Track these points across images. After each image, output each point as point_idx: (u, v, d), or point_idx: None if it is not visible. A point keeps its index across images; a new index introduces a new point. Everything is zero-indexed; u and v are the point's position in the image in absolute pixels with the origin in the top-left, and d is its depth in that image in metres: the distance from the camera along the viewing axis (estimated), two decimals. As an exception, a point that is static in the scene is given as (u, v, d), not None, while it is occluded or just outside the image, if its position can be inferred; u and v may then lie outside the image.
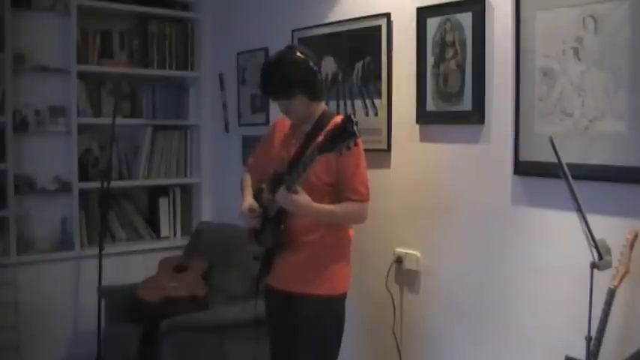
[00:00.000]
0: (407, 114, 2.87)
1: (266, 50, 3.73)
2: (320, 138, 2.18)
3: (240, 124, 4.04)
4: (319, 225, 2.43)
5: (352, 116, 2.07)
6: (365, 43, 3.03)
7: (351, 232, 2.56)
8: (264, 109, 3.80)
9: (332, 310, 2.47)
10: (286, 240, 2.45)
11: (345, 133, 2.06)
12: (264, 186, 2.65)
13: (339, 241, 2.51)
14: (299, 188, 2.31)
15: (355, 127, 2.05)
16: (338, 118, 2.45)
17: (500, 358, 2.53)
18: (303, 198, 2.32)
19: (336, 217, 2.45)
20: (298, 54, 2.42)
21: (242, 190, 2.69)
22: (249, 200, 2.58)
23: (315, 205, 2.35)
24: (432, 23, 2.71)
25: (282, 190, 2.34)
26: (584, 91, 2.19)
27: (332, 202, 2.41)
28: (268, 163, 2.60)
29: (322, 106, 2.53)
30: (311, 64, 2.42)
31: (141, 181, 4.20)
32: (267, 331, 2.67)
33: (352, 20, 3.11)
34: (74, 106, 3.85)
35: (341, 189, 2.42)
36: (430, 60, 2.73)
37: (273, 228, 2.47)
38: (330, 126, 2.30)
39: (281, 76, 2.41)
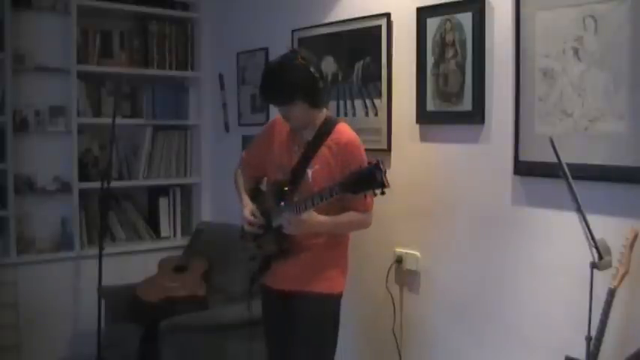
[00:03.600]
0: (407, 114, 2.87)
1: (266, 50, 3.73)
2: (346, 174, 2.14)
3: (240, 124, 4.04)
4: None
5: (381, 164, 2.03)
6: (365, 43, 3.03)
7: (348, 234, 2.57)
8: (264, 109, 3.80)
9: (329, 309, 2.48)
10: (291, 246, 2.44)
11: (374, 183, 2.02)
12: (263, 187, 2.65)
13: (339, 243, 2.52)
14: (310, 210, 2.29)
15: (385, 177, 2.01)
16: (345, 130, 2.44)
17: (500, 358, 2.53)
18: (309, 219, 2.30)
19: (344, 227, 2.47)
20: (300, 60, 2.38)
21: (237, 189, 2.68)
22: (249, 207, 2.57)
23: (322, 220, 2.35)
24: (432, 23, 2.71)
25: (286, 217, 2.33)
26: (584, 91, 2.19)
27: (333, 208, 2.39)
28: (265, 162, 2.59)
29: (324, 113, 2.51)
30: (313, 70, 2.37)
31: (141, 181, 4.19)
32: (264, 332, 2.66)
33: (352, 20, 3.11)
34: (74, 106, 3.85)
35: (347, 200, 2.37)
36: (430, 60, 2.73)
37: (274, 236, 2.47)
38: (350, 144, 2.35)
39: (281, 81, 2.37)
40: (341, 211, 2.43)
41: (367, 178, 2.05)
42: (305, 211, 2.28)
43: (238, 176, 2.71)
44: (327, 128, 2.44)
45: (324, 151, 2.41)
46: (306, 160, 2.42)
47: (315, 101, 2.42)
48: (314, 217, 2.32)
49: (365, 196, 2.31)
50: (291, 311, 2.48)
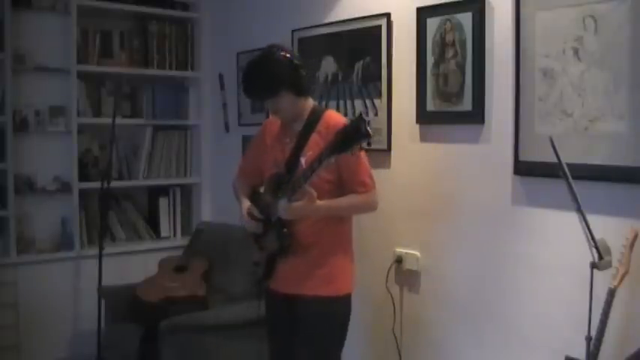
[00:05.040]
0: (407, 114, 2.87)
1: (266, 50, 3.73)
2: (331, 138, 2.09)
3: (240, 124, 4.05)
4: (322, 225, 2.41)
5: (364, 115, 2.01)
6: (365, 43, 3.03)
7: (351, 228, 2.54)
8: (264, 109, 3.79)
9: (335, 312, 2.46)
10: (291, 243, 2.43)
11: (359, 134, 1.99)
12: (261, 189, 2.64)
13: (341, 241, 2.50)
14: (308, 188, 2.23)
15: (368, 127, 1.99)
16: (333, 115, 2.45)
17: (500, 358, 2.53)
18: (307, 203, 2.26)
19: (345, 209, 2.44)
20: (279, 52, 2.41)
21: (237, 195, 2.68)
22: (246, 205, 2.57)
23: (322, 203, 2.31)
24: (432, 23, 2.71)
25: (282, 203, 2.31)
26: (584, 91, 2.19)
27: (332, 198, 2.38)
28: (261, 164, 2.59)
29: (310, 102, 2.52)
30: (291, 58, 2.40)
31: (141, 181, 4.20)
32: (267, 334, 2.65)
33: (352, 20, 3.11)
34: (74, 106, 3.85)
35: (346, 183, 2.40)
36: (430, 60, 2.73)
37: (275, 232, 2.45)
38: (339, 125, 2.26)
39: (264, 75, 2.39)
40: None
41: (353, 133, 2.01)
42: (300, 189, 2.24)
43: (236, 186, 2.72)
44: (315, 116, 2.45)
45: (315, 137, 2.41)
46: (298, 149, 2.43)
47: (300, 89, 2.43)
48: (313, 203, 2.26)
49: (360, 175, 2.36)
50: (295, 314, 2.47)
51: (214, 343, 3.12)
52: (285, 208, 2.31)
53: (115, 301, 3.56)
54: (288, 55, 2.41)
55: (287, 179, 2.39)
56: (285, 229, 2.42)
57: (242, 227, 2.64)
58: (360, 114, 2.03)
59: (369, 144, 2.06)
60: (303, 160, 2.40)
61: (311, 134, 2.41)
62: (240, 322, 3.10)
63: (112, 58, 4.09)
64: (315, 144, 2.39)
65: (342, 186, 2.41)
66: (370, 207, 2.48)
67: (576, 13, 2.19)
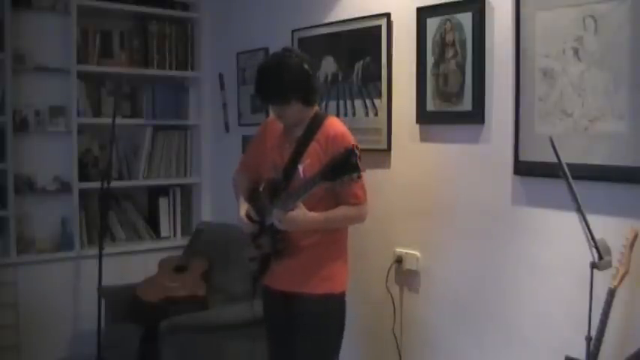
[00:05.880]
0: (407, 114, 2.87)
1: (266, 50, 3.73)
2: (324, 165, 2.17)
3: (240, 124, 4.05)
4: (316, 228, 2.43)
5: (355, 149, 2.05)
6: (365, 43, 3.03)
7: (346, 230, 2.55)
8: (264, 109, 3.79)
9: (331, 309, 2.47)
10: (285, 246, 2.44)
11: (349, 166, 2.05)
12: (261, 188, 2.65)
13: (336, 241, 2.51)
14: (299, 204, 2.30)
15: (358, 161, 2.04)
16: (334, 124, 2.45)
17: (500, 358, 2.53)
18: (299, 215, 2.31)
19: (337, 222, 2.45)
20: (295, 58, 2.40)
21: (236, 192, 2.69)
22: (244, 207, 2.58)
23: (313, 216, 2.34)
24: (432, 23, 2.71)
25: (276, 213, 2.33)
26: (584, 91, 2.19)
27: (326, 203, 2.40)
28: (262, 162, 2.60)
29: (314, 109, 2.52)
30: (307, 68, 2.40)
31: (141, 181, 4.20)
32: (265, 332, 2.66)
33: (352, 20, 3.11)
34: (74, 106, 3.85)
35: (339, 194, 2.41)
36: (430, 60, 2.73)
37: (270, 235, 2.47)
38: (338, 136, 2.33)
39: (277, 82, 2.38)
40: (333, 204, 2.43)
41: (343, 163, 2.07)
42: (292, 205, 2.28)
43: (237, 180, 2.73)
44: (316, 123, 2.46)
45: (314, 146, 2.42)
46: (297, 156, 2.44)
47: (309, 100, 2.44)
48: (304, 214, 2.32)
49: (353, 188, 2.36)
50: (291, 312, 2.48)
51: (214, 343, 3.12)
52: (280, 219, 2.33)
53: (115, 301, 3.56)
54: (303, 64, 2.40)
55: (283, 186, 2.42)
56: (278, 234, 2.43)
57: (240, 227, 2.65)
58: (353, 146, 2.07)
59: (359, 177, 2.09)
60: (300, 169, 2.41)
61: (310, 142, 2.42)
62: (240, 322, 3.10)
63: (112, 58, 4.09)
64: (314, 153, 2.41)
65: (334, 194, 2.41)
66: (360, 219, 2.51)
67: (576, 13, 2.19)
